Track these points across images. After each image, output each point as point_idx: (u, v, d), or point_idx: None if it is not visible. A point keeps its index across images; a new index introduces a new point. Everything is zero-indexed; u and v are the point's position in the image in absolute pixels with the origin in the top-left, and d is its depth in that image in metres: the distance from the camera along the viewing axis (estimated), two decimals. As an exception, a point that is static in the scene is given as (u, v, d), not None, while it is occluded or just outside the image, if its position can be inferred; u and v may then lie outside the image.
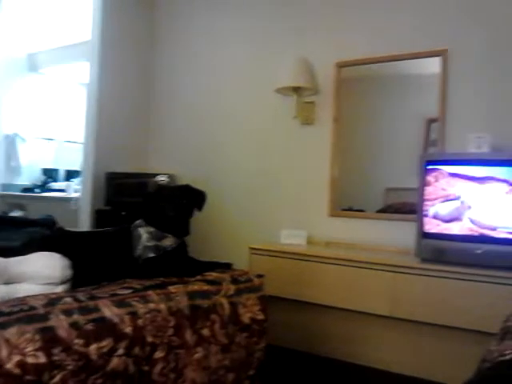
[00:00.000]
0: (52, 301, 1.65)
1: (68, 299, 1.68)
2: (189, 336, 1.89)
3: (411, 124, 3.20)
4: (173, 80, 4.21)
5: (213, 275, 2.18)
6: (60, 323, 1.54)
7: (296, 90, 3.40)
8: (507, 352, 1.23)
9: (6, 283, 1.86)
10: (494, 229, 2.49)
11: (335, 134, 3.38)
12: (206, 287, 2.05)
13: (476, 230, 2.53)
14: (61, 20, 5.14)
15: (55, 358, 1.48)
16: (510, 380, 1.03)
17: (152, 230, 2.23)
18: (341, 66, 3.38)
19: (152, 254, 2.18)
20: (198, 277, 2.15)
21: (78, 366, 1.52)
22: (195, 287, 2.02)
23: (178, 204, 2.26)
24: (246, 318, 2.12)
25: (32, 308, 1.56)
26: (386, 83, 3.33)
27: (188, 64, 4.13)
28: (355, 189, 3.42)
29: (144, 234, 2.22)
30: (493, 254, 2.45)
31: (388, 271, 2.66)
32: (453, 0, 3.01)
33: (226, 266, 2.37)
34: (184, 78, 4.14)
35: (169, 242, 2.23)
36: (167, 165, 4.08)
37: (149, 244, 2.19)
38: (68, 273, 1.96)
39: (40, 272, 1.91)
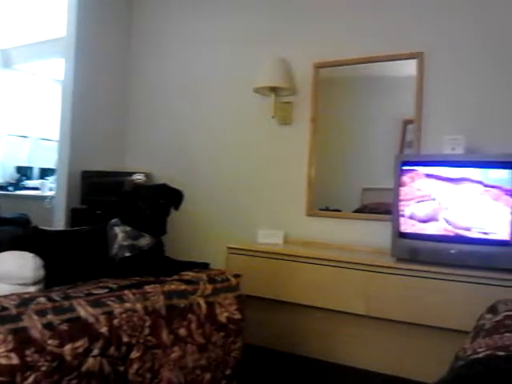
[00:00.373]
0: (25, 301, 1.62)
1: (42, 299, 1.65)
2: (165, 336, 1.88)
3: (388, 125, 3.23)
4: (150, 78, 4.17)
5: (190, 275, 2.17)
6: (33, 324, 1.52)
7: (274, 90, 3.41)
8: (480, 350, 1.25)
9: None
10: (468, 229, 2.53)
11: (312, 134, 3.39)
12: (182, 287, 2.04)
13: (451, 230, 2.57)
14: (35, 15, 5.06)
15: (28, 359, 1.45)
16: (483, 378, 1.04)
17: (128, 229, 2.21)
18: (319, 66, 3.40)
19: (128, 254, 2.16)
20: (175, 276, 2.13)
21: (51, 367, 1.50)
22: (172, 287, 2.01)
23: (156, 203, 2.24)
24: (222, 317, 2.11)
25: (4, 308, 1.53)
26: (363, 84, 3.36)
27: (165, 63, 4.10)
28: (332, 189, 3.44)
29: (120, 233, 2.20)
30: (467, 253, 2.50)
31: (364, 270, 2.69)
32: (430, 4, 3.06)
33: (203, 266, 2.35)
34: (161, 76, 4.11)
35: (145, 241, 2.21)
36: (144, 163, 4.04)
37: (125, 243, 2.17)
38: (41, 273, 1.92)
39: (11, 272, 1.87)
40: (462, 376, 1.08)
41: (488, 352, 1.21)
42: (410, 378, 2.56)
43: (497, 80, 2.84)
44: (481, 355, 1.20)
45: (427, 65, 3.03)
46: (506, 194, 2.44)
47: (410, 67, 3.08)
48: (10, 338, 1.43)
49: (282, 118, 3.51)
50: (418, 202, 2.67)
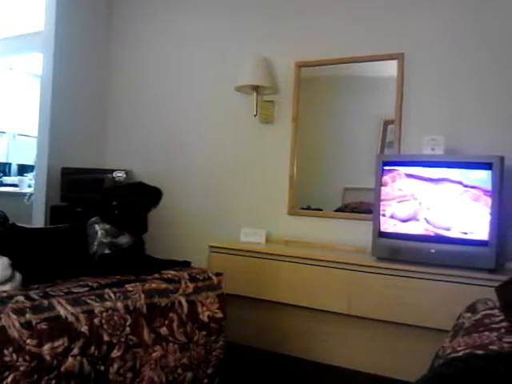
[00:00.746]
0: (2, 300, 1.59)
1: (20, 298, 1.62)
2: (146, 335, 1.87)
3: (369, 125, 3.25)
4: (131, 75, 4.13)
5: (171, 273, 2.16)
6: (11, 323, 1.49)
7: (256, 88, 3.41)
8: (459, 348, 1.26)
9: None
10: (448, 229, 2.56)
11: (294, 133, 3.40)
12: (163, 285, 2.03)
13: (431, 230, 2.60)
14: (13, 8, 4.97)
15: (6, 358, 1.43)
16: (463, 376, 1.05)
17: (108, 227, 2.19)
18: (300, 65, 3.40)
19: (107, 251, 2.14)
20: (156, 275, 2.12)
21: (30, 367, 1.48)
22: (153, 285, 1.99)
23: (134, 202, 2.22)
24: (204, 316, 2.11)
25: (-18, 307, 1.51)
26: (344, 84, 3.37)
27: (146, 60, 4.07)
28: (314, 188, 3.46)
29: (100, 230, 2.18)
30: (446, 253, 2.53)
31: (345, 269, 2.70)
32: (410, 5, 3.08)
33: (185, 264, 2.34)
34: (142, 73, 4.07)
35: (125, 239, 2.19)
36: (124, 161, 4.01)
37: (104, 240, 2.15)
38: (8, 273, 1.84)
39: None
40: (442, 374, 1.09)
41: (467, 351, 1.23)
42: (390, 376, 2.58)
43: (476, 81, 2.88)
44: (460, 354, 1.22)
45: (407, 66, 3.06)
46: (485, 195, 2.47)
47: (390, 68, 3.10)
48: (-13, 337, 1.41)
49: (263, 117, 3.51)
50: (399, 201, 2.69)
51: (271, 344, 2.94)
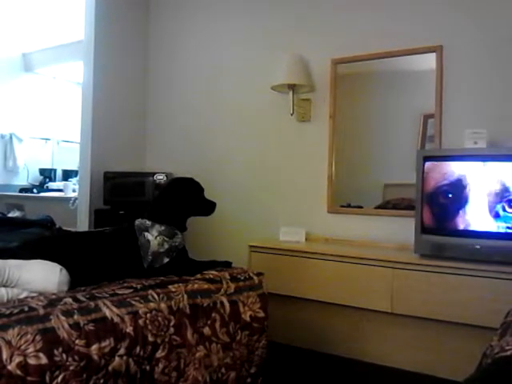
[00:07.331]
0: (52, 301, 1.64)
1: (68, 300, 1.67)
2: (190, 335, 1.89)
3: (408, 120, 3.20)
4: (169, 78, 4.19)
5: (212, 274, 2.17)
6: (60, 324, 1.54)
7: (292, 87, 3.40)
8: (508, 348, 1.23)
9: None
10: (493, 224, 2.49)
11: (332, 131, 3.37)
12: (205, 286, 2.05)
13: (476, 225, 2.53)
14: (55, 19, 5.13)
15: (56, 358, 1.48)
16: (511, 375, 1.03)
17: (163, 228, 2.17)
18: (337, 62, 3.37)
19: (166, 259, 2.15)
20: (198, 275, 2.14)
21: (79, 367, 1.53)
22: (195, 286, 2.02)
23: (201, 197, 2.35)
24: (246, 316, 2.12)
25: (32, 309, 1.56)
26: (382, 79, 3.33)
27: (183, 64, 4.12)
28: (353, 185, 3.42)
29: (153, 240, 2.15)
30: (492, 248, 2.46)
31: (387, 267, 2.67)
32: (449, -5, 3.02)
33: (226, 265, 2.36)
34: (179, 77, 4.13)
35: (179, 238, 2.20)
36: (164, 164, 4.07)
37: (161, 250, 2.14)
38: (65, 289, 1.88)
39: (36, 285, 1.82)
40: (490, 374, 1.06)
41: (516, 349, 1.20)
42: (435, 375, 2.53)
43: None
44: (508, 353, 1.19)
45: (446, 58, 2.99)
46: (532, 188, 2.39)
47: (429, 61, 3.04)
48: (38, 338, 1.46)
49: (300, 115, 3.50)
50: (443, 197, 2.63)
51: (314, 343, 2.93)
